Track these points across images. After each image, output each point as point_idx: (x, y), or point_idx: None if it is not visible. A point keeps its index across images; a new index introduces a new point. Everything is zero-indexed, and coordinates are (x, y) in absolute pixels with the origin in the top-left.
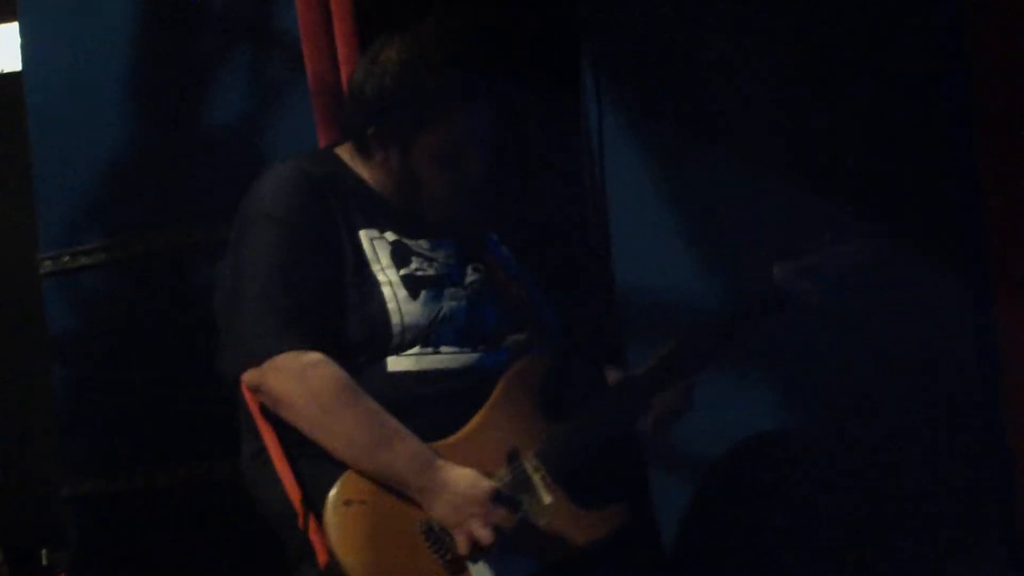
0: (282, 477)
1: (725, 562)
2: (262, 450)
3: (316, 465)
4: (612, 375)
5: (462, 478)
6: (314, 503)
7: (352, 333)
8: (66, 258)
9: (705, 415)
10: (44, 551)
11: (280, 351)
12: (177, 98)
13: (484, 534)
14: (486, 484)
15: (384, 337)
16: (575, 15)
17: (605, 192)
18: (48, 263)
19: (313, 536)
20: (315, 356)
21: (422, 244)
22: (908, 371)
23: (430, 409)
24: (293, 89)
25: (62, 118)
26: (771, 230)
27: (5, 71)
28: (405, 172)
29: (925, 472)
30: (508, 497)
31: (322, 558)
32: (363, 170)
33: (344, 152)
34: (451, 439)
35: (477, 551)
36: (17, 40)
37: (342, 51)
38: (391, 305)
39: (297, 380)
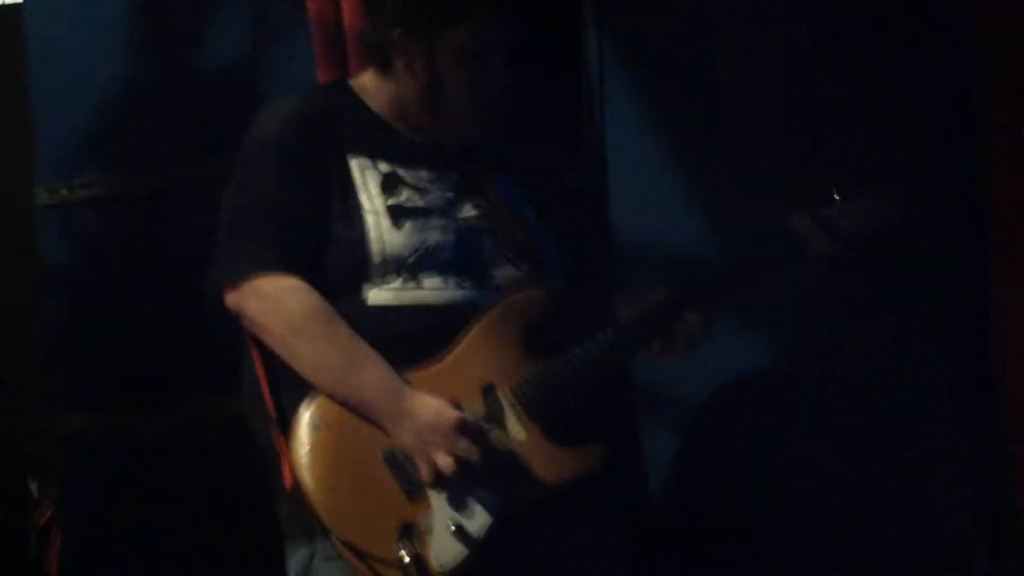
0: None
1: (712, 508)
2: (255, 374)
3: (295, 392)
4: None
5: (428, 406)
6: (288, 427)
7: (333, 261)
8: (63, 191)
9: (697, 359)
10: (35, 485)
11: (258, 273)
12: (178, 33)
13: (446, 462)
14: (452, 413)
15: (363, 266)
16: None
17: (604, 138)
18: (45, 195)
19: (284, 461)
20: (293, 281)
21: (421, 175)
22: (908, 329)
23: (409, 344)
24: (294, 25)
25: (62, 51)
26: (778, 184)
27: (6, 3)
28: (428, 75)
29: (916, 427)
30: (475, 427)
31: (287, 481)
32: (372, 97)
33: (356, 82)
34: (427, 369)
35: (439, 480)
36: None
37: None
38: (372, 234)
39: (272, 302)
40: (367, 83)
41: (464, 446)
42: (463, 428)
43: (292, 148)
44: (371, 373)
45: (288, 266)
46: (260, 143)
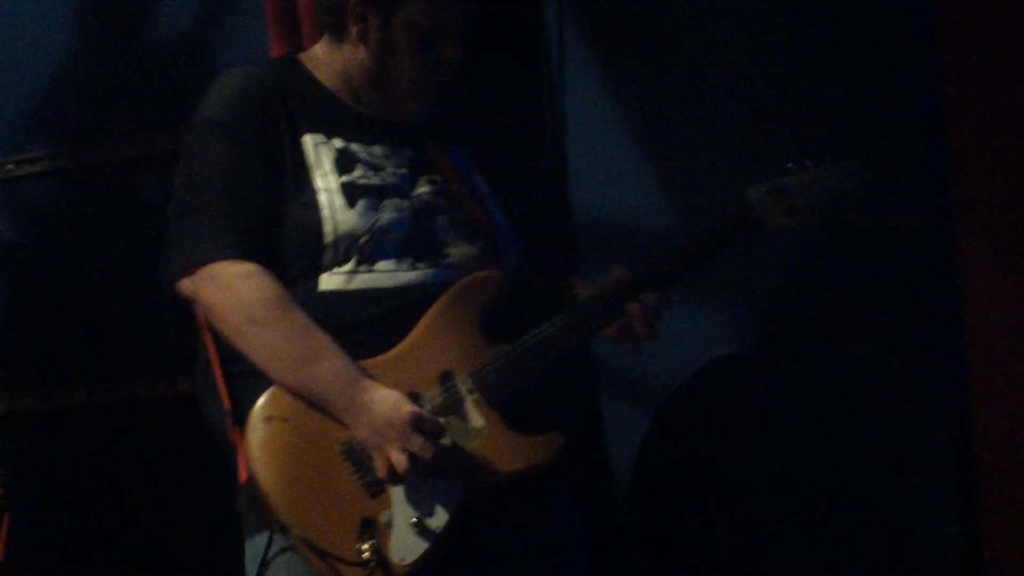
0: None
1: (679, 500)
2: (209, 363)
3: (251, 382)
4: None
5: (383, 400)
6: (242, 419)
7: (286, 244)
8: (10, 166)
9: (663, 342)
10: None
11: (213, 260)
12: (128, 5)
13: (400, 460)
14: (408, 409)
15: (316, 248)
16: None
17: (563, 115)
18: None
19: (239, 453)
20: (248, 267)
21: (375, 150)
22: (873, 302)
23: (364, 331)
24: None
25: (8, 24)
26: (739, 155)
27: None
28: (380, 46)
29: (885, 403)
30: (431, 424)
31: (242, 475)
32: (322, 69)
33: (305, 55)
34: (383, 357)
35: (395, 475)
36: None
37: None
38: (325, 212)
39: (227, 290)
40: (318, 53)
41: (419, 443)
42: (418, 424)
43: (243, 125)
44: (327, 364)
45: (244, 251)
46: (210, 120)
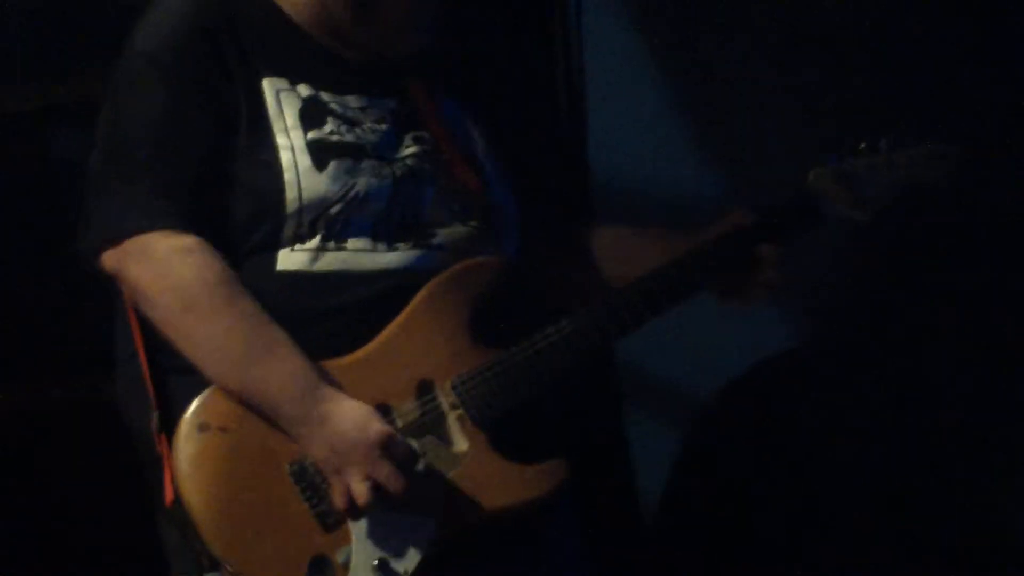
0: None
1: (717, 526)
2: (134, 354)
3: (186, 381)
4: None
5: (348, 415)
6: (172, 425)
7: (238, 212)
8: None
9: (694, 349)
10: None
11: (145, 230)
12: None
13: (362, 491)
14: (377, 428)
15: (275, 218)
16: None
17: (581, 64)
18: None
19: (165, 467)
20: (188, 240)
21: (349, 101)
22: (947, 315)
23: (327, 323)
24: None
25: None
26: (789, 119)
27: None
28: None
29: (956, 429)
30: (404, 449)
31: (168, 494)
32: (289, 1)
33: None
34: (348, 358)
35: (355, 508)
36: None
37: None
38: (287, 175)
39: (160, 267)
40: None
41: (385, 472)
42: (389, 448)
43: (185, 64)
44: (279, 365)
45: (182, 220)
46: (143, 57)
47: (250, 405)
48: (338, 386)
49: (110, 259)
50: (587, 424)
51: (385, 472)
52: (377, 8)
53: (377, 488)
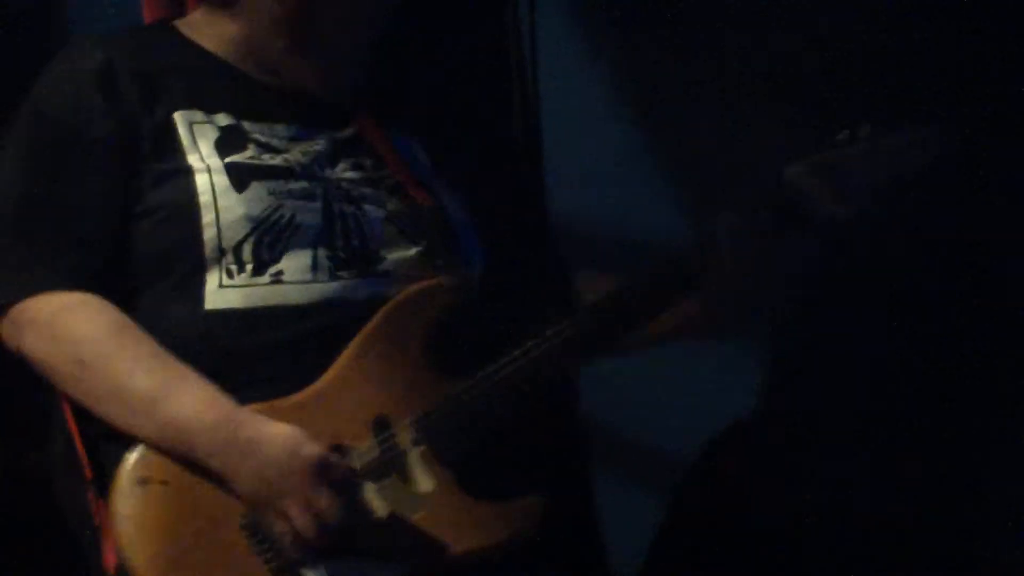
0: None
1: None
2: (65, 423)
3: (119, 447)
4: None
5: (276, 439)
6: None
7: (154, 246)
8: None
9: (672, 396)
10: None
11: (25, 295)
12: None
13: (304, 524)
14: (309, 450)
15: (193, 245)
16: None
17: (536, 78)
18: None
19: (104, 534)
20: (72, 297)
21: (277, 130)
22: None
23: (265, 364)
24: None
25: None
26: (766, 124)
27: None
28: None
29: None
30: (340, 473)
31: (110, 558)
32: (209, 36)
33: (184, 23)
34: (296, 397)
35: (305, 550)
36: None
37: None
38: (203, 197)
39: (48, 330)
40: (198, 17)
41: (326, 502)
42: (326, 473)
43: (73, 112)
44: (187, 397)
45: (69, 277)
46: (31, 110)
47: (173, 454)
48: (264, 416)
49: (5, 330)
50: (558, 456)
51: (325, 501)
52: (312, 40)
53: (323, 523)
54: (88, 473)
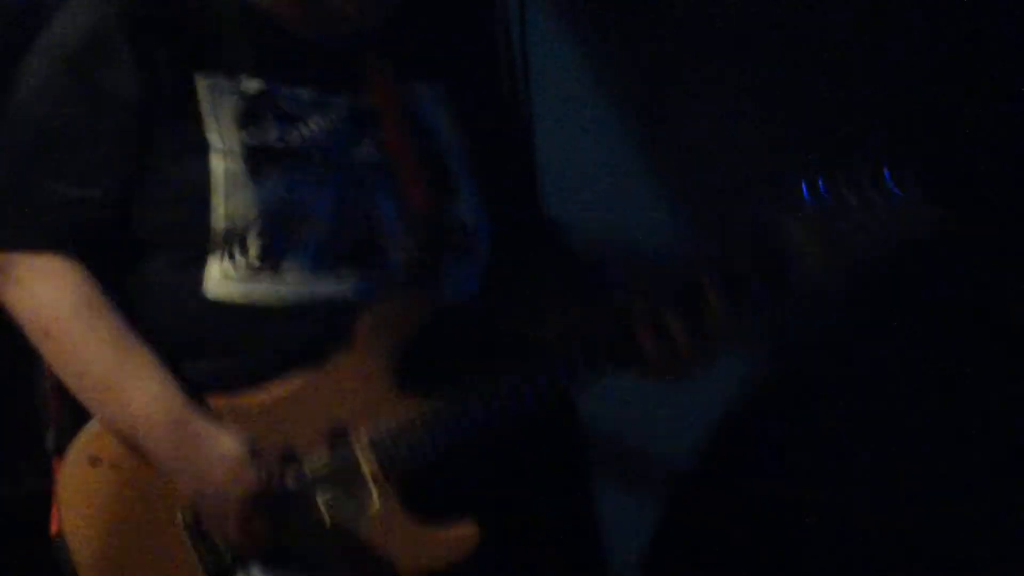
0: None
1: None
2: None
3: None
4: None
5: (220, 461)
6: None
7: (157, 219)
8: None
9: (672, 397)
10: None
11: (11, 248)
12: None
13: (238, 543)
14: (249, 480)
15: (201, 230)
16: None
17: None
18: None
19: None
20: (51, 262)
21: (300, 94)
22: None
23: (258, 358)
24: None
25: None
26: (762, 169)
27: None
28: None
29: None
30: (274, 500)
31: (53, 526)
32: None
33: None
34: (256, 397)
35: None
36: None
37: None
38: (217, 183)
39: (20, 290)
40: None
41: (256, 534)
42: (262, 505)
43: (89, 62)
44: (139, 392)
45: (50, 239)
46: (46, 48)
47: (120, 437)
48: (218, 420)
49: None
50: (555, 492)
51: (255, 533)
52: None
53: (256, 542)
54: (53, 422)
